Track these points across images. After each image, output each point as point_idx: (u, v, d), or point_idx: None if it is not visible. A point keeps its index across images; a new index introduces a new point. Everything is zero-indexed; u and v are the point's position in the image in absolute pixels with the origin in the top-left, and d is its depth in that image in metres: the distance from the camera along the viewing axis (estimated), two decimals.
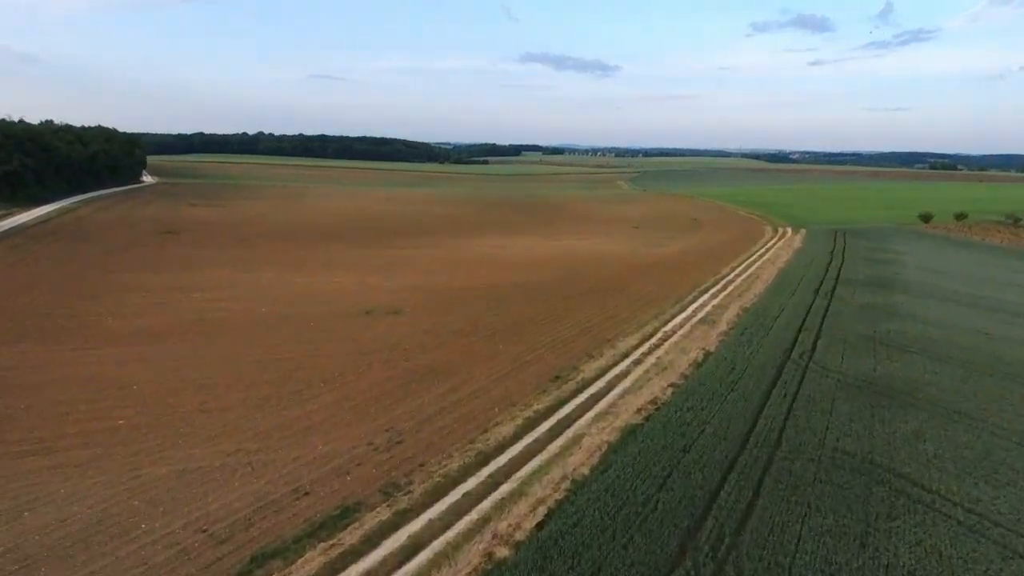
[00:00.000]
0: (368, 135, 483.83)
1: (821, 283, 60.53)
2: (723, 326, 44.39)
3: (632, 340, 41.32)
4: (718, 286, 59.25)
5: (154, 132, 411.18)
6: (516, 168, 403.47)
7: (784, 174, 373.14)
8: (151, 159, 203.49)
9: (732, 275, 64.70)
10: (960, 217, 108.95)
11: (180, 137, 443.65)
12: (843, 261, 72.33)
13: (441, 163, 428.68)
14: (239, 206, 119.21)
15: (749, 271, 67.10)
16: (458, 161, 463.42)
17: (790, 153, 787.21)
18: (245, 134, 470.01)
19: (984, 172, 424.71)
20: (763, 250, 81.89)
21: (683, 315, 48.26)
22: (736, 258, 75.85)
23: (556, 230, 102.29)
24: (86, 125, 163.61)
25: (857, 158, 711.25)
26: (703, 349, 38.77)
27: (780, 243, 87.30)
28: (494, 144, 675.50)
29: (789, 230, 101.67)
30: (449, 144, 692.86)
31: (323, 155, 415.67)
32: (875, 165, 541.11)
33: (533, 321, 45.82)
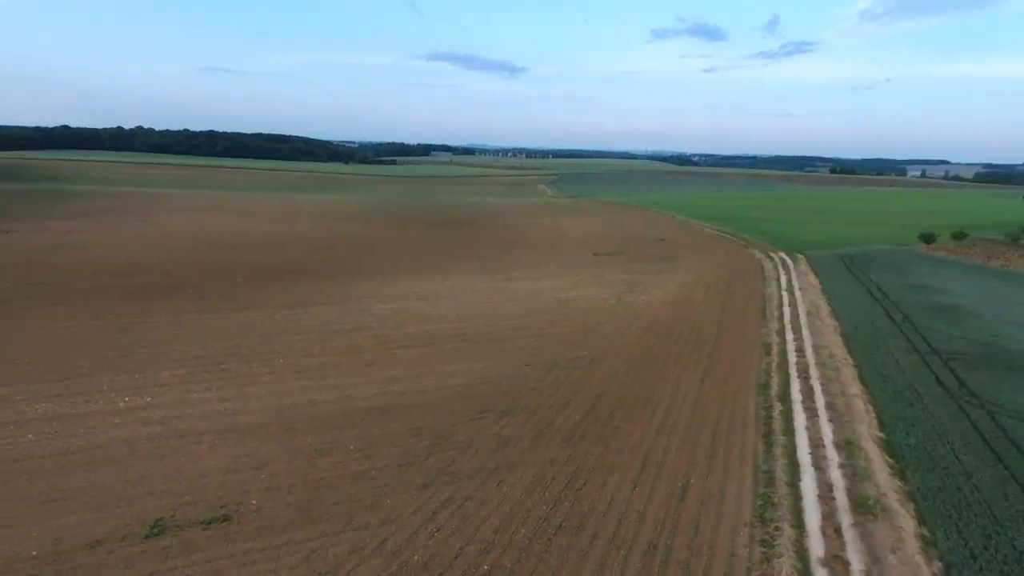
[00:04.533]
0: (264, 132, 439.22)
1: (926, 365, 39.44)
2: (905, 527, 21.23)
3: None
4: (796, 389, 36.41)
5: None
6: (427, 169, 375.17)
7: (701, 177, 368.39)
8: None
9: (793, 355, 42.33)
10: (959, 236, 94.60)
11: (38, 130, 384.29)
12: (904, 316, 52.17)
13: (345, 163, 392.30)
14: (35, 226, 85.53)
15: (808, 343, 45.04)
16: (364, 161, 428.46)
17: (691, 155, 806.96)
18: (120, 128, 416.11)
19: (898, 177, 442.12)
20: (785, 294, 60.77)
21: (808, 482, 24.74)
22: (762, 311, 54.11)
23: (499, 260, 77.24)
24: None
25: (753, 161, 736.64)
26: None
27: (796, 280, 66.78)
28: (402, 143, 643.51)
29: (783, 256, 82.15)
30: (354, 142, 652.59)
31: (211, 153, 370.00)
32: (770, 168, 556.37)
33: (509, 533, 20.88)
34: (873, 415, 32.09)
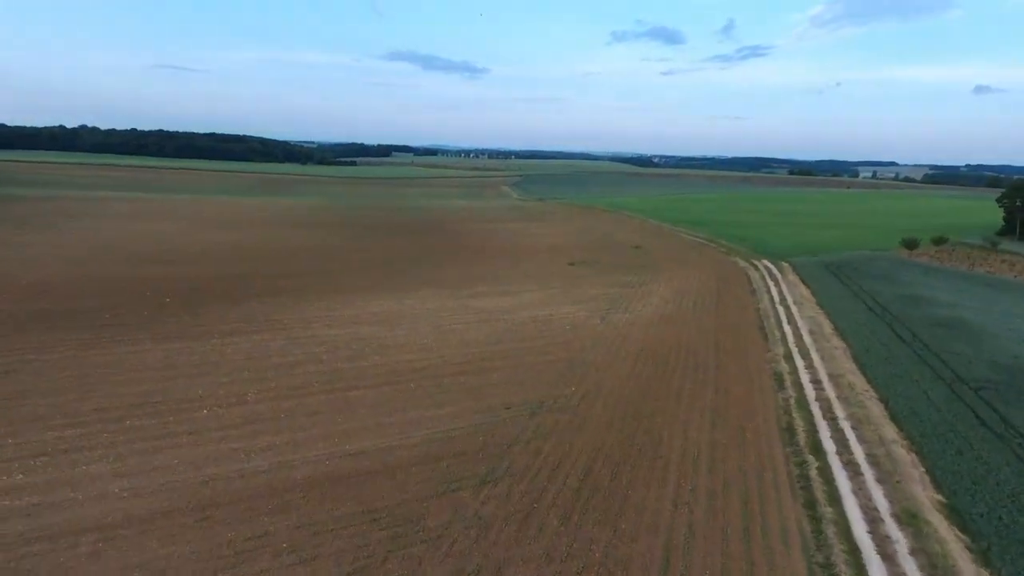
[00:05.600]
0: (217, 132, 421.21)
1: (958, 398, 34.76)
2: None
3: None
4: (827, 435, 31.07)
5: None
6: (388, 171, 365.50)
7: (664, 179, 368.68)
8: None
9: (810, 387, 37.14)
10: (939, 241, 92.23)
11: None
12: (913, 334, 47.82)
13: (302, 164, 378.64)
14: None
15: (822, 371, 39.99)
16: (322, 162, 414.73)
17: (651, 156, 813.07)
18: (62, 127, 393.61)
19: (854, 179, 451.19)
20: (780, 308, 56.03)
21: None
22: (761, 329, 49.10)
23: (465, 272, 70.76)
24: None
25: (712, 162, 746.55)
26: None
27: (788, 292, 62.25)
28: (362, 144, 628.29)
29: (767, 264, 77.91)
30: (312, 143, 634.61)
31: (160, 154, 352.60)
32: (728, 169, 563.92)
33: None
34: (922, 469, 26.94)
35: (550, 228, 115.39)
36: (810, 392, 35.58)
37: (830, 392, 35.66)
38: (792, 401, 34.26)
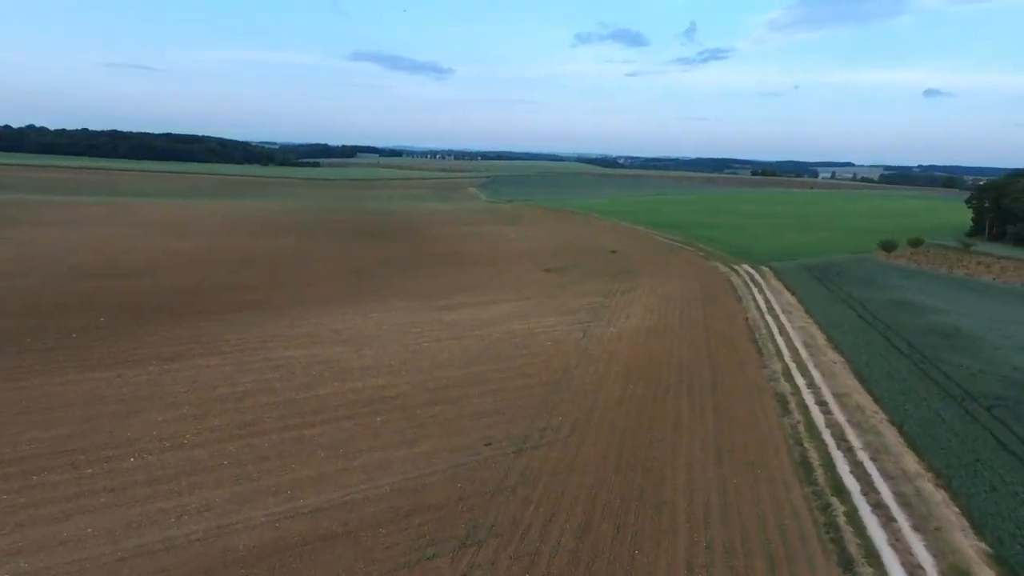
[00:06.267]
0: (174, 132, 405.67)
1: (972, 418, 32.27)
2: None
3: None
4: (846, 470, 28.01)
5: None
6: (353, 172, 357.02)
7: (631, 180, 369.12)
8: None
9: (817, 410, 34.17)
10: (915, 243, 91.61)
11: None
12: (910, 345, 45.58)
13: (263, 165, 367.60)
14: None
15: (825, 390, 37.13)
16: (285, 163, 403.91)
17: (616, 157, 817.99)
18: (8, 127, 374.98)
19: (816, 179, 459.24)
20: (769, 318, 53.40)
21: None
22: (755, 342, 46.23)
23: (435, 281, 66.52)
24: None
25: (676, 163, 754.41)
26: None
27: (774, 300, 59.78)
28: (326, 145, 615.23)
29: (748, 269, 75.64)
30: (275, 144, 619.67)
31: (113, 155, 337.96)
32: (691, 170, 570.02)
33: None
34: (956, 510, 24.04)
35: (522, 232, 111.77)
36: (818, 416, 32.58)
37: (839, 415, 32.73)
38: (801, 427, 31.18)
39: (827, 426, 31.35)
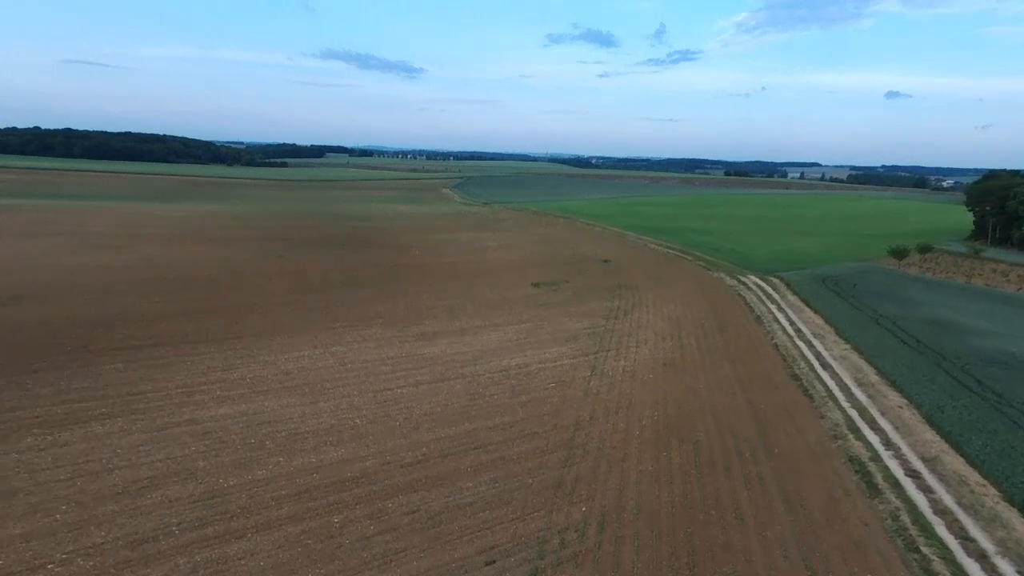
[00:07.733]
0: (134, 131, 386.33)
1: None
2: None
3: None
4: None
5: None
6: (322, 172, 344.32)
7: (607, 180, 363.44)
8: None
9: (911, 486, 26.49)
10: (924, 250, 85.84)
11: None
12: (976, 380, 38.59)
13: (228, 165, 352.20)
14: None
15: (908, 452, 29.59)
16: (251, 163, 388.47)
17: (589, 158, 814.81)
18: None
19: (787, 180, 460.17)
20: (802, 345, 45.96)
21: None
22: (795, 378, 38.62)
23: (409, 301, 57.67)
24: None
25: (648, 163, 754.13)
26: None
27: (798, 320, 52.50)
28: (294, 144, 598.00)
29: (758, 281, 68.45)
30: (241, 143, 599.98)
31: (68, 155, 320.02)
32: (663, 170, 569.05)
33: None
34: None
35: (503, 239, 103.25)
36: (918, 498, 24.91)
37: (943, 495, 25.12)
38: (905, 517, 23.44)
39: (936, 513, 23.72)
